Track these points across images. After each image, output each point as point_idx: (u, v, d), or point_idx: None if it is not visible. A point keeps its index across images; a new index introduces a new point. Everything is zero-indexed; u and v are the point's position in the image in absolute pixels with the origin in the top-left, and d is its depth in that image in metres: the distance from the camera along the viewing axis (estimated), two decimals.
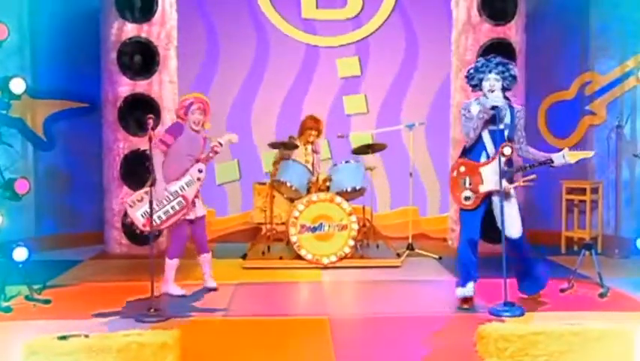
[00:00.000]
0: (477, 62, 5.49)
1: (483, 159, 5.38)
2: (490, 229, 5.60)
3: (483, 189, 5.36)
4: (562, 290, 5.98)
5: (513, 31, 7.97)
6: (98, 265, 7.39)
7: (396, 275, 6.78)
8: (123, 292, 5.91)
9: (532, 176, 5.44)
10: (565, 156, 5.34)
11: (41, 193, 8.01)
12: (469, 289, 5.45)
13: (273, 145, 7.49)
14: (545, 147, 8.33)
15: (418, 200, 8.88)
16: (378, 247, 7.78)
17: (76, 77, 8.25)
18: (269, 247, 7.49)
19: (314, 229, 7.05)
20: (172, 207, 5.67)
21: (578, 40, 8.36)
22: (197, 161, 5.81)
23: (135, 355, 3.82)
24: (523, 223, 8.07)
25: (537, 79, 8.44)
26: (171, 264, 5.88)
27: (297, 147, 7.53)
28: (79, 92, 8.34)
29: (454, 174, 5.54)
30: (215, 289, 6.02)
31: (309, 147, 7.68)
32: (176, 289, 5.91)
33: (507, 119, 5.38)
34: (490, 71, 5.29)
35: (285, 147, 7.45)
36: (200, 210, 5.96)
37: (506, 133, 5.37)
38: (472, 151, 5.43)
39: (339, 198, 7.07)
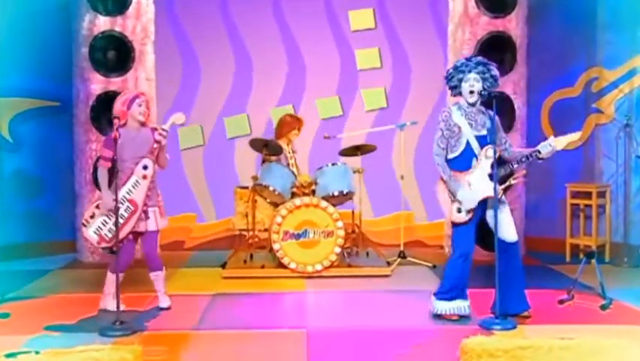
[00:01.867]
0: (456, 61, 5.50)
1: (474, 165, 5.37)
2: (487, 235, 5.56)
3: (477, 198, 5.33)
4: (560, 302, 5.94)
5: (513, 24, 7.95)
6: (67, 275, 7.38)
7: (384, 285, 6.76)
8: (90, 305, 5.86)
9: (522, 172, 5.44)
10: (551, 144, 5.30)
11: (7, 198, 8.00)
12: (456, 306, 5.44)
13: (254, 143, 7.46)
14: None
15: (413, 205, 8.89)
16: (368, 254, 7.76)
17: (45, 74, 8.21)
18: (251, 255, 7.47)
19: (298, 236, 7.03)
20: (121, 216, 5.45)
21: (584, 32, 8.30)
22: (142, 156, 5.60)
23: None
24: (526, 230, 8.20)
25: (540, 75, 8.42)
26: (112, 279, 5.63)
27: (281, 150, 7.52)
28: (48, 90, 8.30)
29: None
30: (168, 308, 5.82)
31: (290, 147, 7.70)
32: (111, 305, 5.61)
33: (487, 124, 5.38)
34: (469, 71, 5.29)
35: (268, 150, 7.42)
36: (151, 223, 5.69)
37: (488, 138, 5.36)
38: (460, 158, 5.39)
39: (324, 203, 7.05)
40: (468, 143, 5.33)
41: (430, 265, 7.53)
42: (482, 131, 5.35)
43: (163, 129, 5.67)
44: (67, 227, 8.22)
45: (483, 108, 5.44)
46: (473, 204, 5.31)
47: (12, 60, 8.03)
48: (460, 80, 5.33)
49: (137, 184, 5.57)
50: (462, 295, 5.46)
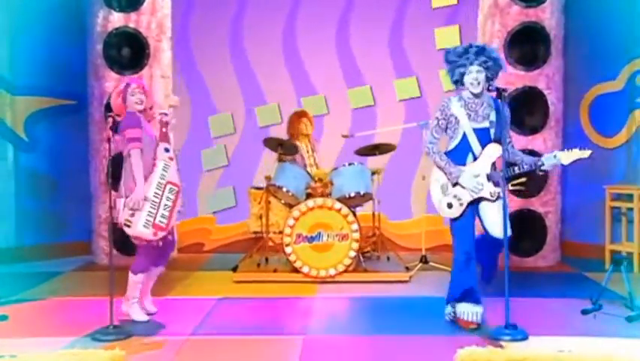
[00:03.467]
0: (451, 53, 5.35)
1: (469, 161, 5.31)
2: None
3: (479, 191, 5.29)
4: (584, 312, 5.82)
5: (547, 14, 7.82)
6: (78, 277, 7.58)
7: (400, 291, 6.74)
8: (94, 308, 5.98)
9: (522, 179, 5.36)
10: (556, 156, 5.25)
11: (23, 199, 8.29)
12: (465, 311, 5.41)
13: (269, 142, 7.53)
14: (589, 147, 8.19)
15: None
16: (388, 259, 7.75)
17: (62, 72, 8.48)
18: (267, 259, 7.55)
19: (311, 239, 7.07)
20: (167, 199, 5.54)
21: (626, 21, 8.07)
22: (157, 143, 5.67)
23: None
24: (562, 234, 8.05)
25: (578, 68, 8.28)
26: (136, 280, 5.67)
27: (297, 150, 7.57)
28: (64, 89, 8.57)
29: None
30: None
31: (309, 145, 7.76)
32: (138, 314, 5.71)
33: (492, 117, 5.31)
34: (471, 63, 5.22)
35: (283, 150, 7.49)
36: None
37: (492, 132, 5.30)
38: (455, 152, 5.35)
39: (338, 205, 7.06)
40: (465, 136, 5.27)
41: None
42: (483, 123, 5.27)
43: (164, 113, 5.78)
44: (82, 228, 8.44)
45: (491, 100, 5.34)
46: (471, 197, 5.26)
47: (28, 58, 8.34)
48: (462, 74, 5.27)
49: (167, 167, 5.62)
50: (471, 299, 5.38)
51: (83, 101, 8.37)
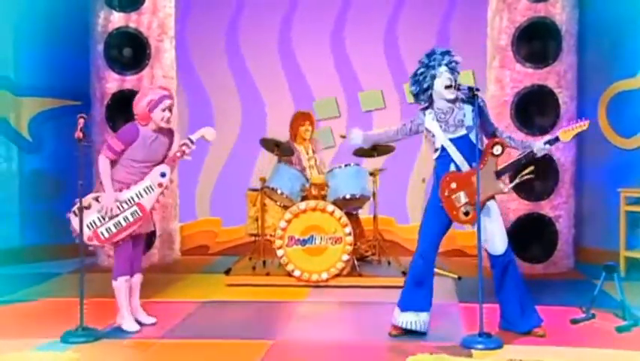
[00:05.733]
0: (421, 61, 5.32)
1: (452, 169, 5.31)
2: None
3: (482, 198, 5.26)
4: (574, 321, 5.72)
5: (558, 8, 7.67)
6: (74, 279, 7.74)
7: (393, 297, 6.67)
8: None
9: (530, 168, 5.32)
10: (545, 148, 5.26)
11: (26, 200, 8.57)
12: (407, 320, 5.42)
13: (266, 143, 7.61)
14: (608, 148, 8.06)
15: None
16: (389, 263, 7.74)
17: (66, 72, 8.73)
18: (264, 262, 7.63)
19: (304, 242, 7.12)
20: (124, 218, 5.51)
21: None
22: (159, 163, 5.62)
23: None
24: (575, 240, 7.89)
25: (594, 65, 8.14)
26: (119, 286, 5.65)
27: (292, 152, 7.64)
28: (69, 89, 8.81)
29: (446, 193, 5.44)
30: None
31: (309, 148, 7.81)
32: (128, 323, 5.67)
33: (467, 121, 5.26)
34: (439, 64, 5.18)
35: (279, 150, 7.56)
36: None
37: (472, 137, 5.25)
38: (439, 163, 5.37)
39: (331, 207, 7.09)
40: (443, 147, 5.27)
41: (455, 276, 7.41)
42: (459, 132, 5.24)
43: (190, 140, 5.64)
44: None
45: (460, 103, 5.29)
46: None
47: (31, 59, 8.62)
48: (433, 77, 5.20)
49: (150, 190, 5.57)
50: (417, 306, 5.37)
51: (88, 101, 8.56)
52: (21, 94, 8.57)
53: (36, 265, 8.28)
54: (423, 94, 5.31)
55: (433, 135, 5.30)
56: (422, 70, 5.25)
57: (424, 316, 5.39)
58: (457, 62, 5.25)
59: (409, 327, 5.36)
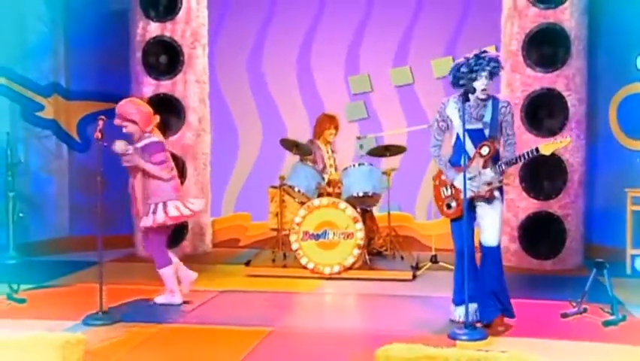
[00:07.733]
0: (468, 60, 5.20)
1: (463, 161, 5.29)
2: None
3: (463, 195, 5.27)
4: (564, 315, 5.68)
5: (567, 15, 7.58)
6: (113, 267, 8.05)
7: (399, 290, 6.75)
8: (112, 295, 6.20)
9: (512, 175, 5.34)
10: (533, 153, 5.16)
11: (75, 194, 8.91)
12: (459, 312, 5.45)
13: (285, 143, 7.74)
14: (618, 151, 7.91)
15: None
16: (402, 258, 7.76)
17: (110, 78, 9.00)
18: (285, 254, 7.76)
19: (317, 237, 7.21)
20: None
21: None
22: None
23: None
24: (584, 237, 7.78)
25: (604, 69, 8.01)
26: (167, 273, 6.11)
27: (310, 152, 7.75)
28: (113, 93, 9.05)
29: (436, 182, 5.51)
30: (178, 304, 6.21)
31: (329, 147, 7.91)
32: (173, 298, 6.16)
33: (487, 117, 5.26)
34: (483, 70, 5.12)
35: (298, 150, 7.68)
36: (147, 220, 6.22)
37: (487, 132, 5.25)
38: (453, 154, 5.39)
39: (343, 204, 7.17)
40: (458, 136, 5.26)
41: None
42: (476, 124, 5.24)
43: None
44: (126, 223, 8.94)
45: (490, 100, 5.27)
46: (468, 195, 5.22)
47: (80, 65, 8.95)
48: (473, 80, 5.15)
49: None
50: (470, 298, 5.27)
51: None
52: (70, 98, 8.91)
53: (84, 254, 8.58)
54: (458, 86, 5.27)
55: (451, 123, 5.30)
56: (465, 69, 5.17)
57: (474, 307, 5.38)
58: (501, 68, 5.25)
59: (463, 319, 5.33)
